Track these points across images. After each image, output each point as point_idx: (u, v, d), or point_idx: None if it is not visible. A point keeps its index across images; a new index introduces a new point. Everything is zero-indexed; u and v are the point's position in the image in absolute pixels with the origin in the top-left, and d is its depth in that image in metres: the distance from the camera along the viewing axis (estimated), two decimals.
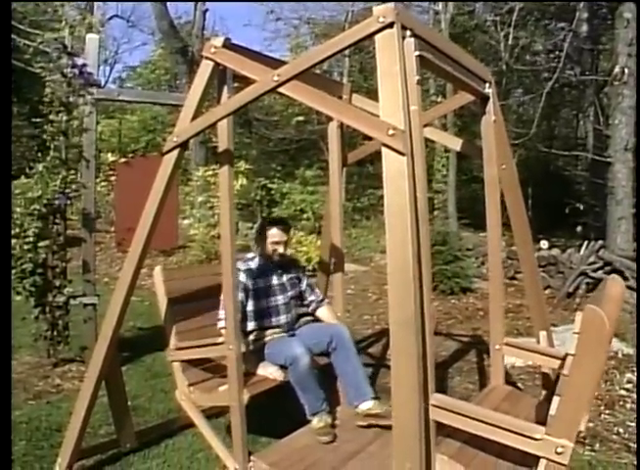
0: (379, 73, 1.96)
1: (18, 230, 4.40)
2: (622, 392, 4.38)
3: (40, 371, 4.57)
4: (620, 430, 3.74)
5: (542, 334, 3.19)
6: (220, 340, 2.78)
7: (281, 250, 3.45)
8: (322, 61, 2.26)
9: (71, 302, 4.61)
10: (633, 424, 3.84)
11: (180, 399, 3.10)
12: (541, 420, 2.05)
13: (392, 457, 1.90)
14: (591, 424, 3.82)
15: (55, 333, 4.63)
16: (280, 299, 3.45)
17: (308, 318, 3.69)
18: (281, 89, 2.28)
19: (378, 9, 1.97)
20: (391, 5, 1.96)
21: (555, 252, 9.07)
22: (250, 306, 3.35)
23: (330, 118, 3.65)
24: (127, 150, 18.51)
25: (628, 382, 4.56)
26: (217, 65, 2.56)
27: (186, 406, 3.07)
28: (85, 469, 3.13)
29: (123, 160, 10.02)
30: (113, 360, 3.04)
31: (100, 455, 3.23)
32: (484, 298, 8.16)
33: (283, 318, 3.45)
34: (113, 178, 11.05)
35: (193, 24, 17.23)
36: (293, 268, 3.63)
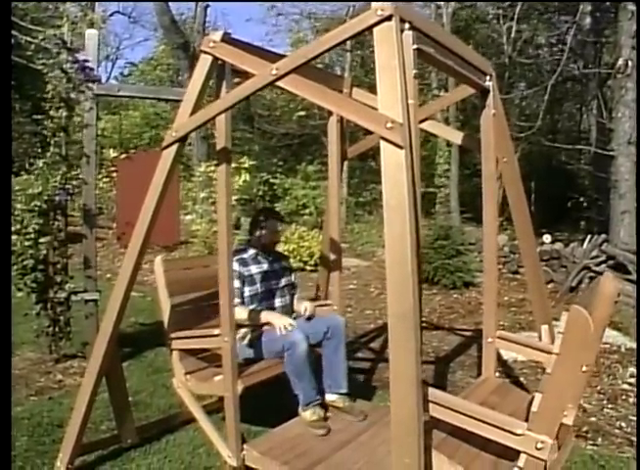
0: (377, 67, 1.95)
1: (19, 227, 4.40)
2: (625, 386, 4.38)
3: (42, 367, 4.57)
4: (623, 424, 3.74)
5: (544, 328, 3.18)
6: (216, 332, 2.82)
7: (280, 239, 3.64)
8: (320, 54, 2.25)
9: (73, 298, 4.61)
10: (636, 418, 3.83)
11: (177, 386, 3.19)
12: (528, 414, 2.09)
13: (392, 452, 1.89)
14: (593, 418, 3.82)
15: (56, 329, 4.63)
16: (273, 284, 3.55)
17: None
18: (279, 83, 2.27)
19: (376, 2, 1.96)
20: None
21: (558, 246, 9.05)
22: (245, 292, 3.43)
23: (330, 113, 3.64)
24: (130, 146, 18.54)
25: (631, 376, 4.55)
26: (216, 59, 2.55)
27: (182, 394, 3.15)
28: (86, 465, 3.13)
29: (124, 155, 10.01)
30: (113, 356, 3.04)
31: (101, 451, 3.23)
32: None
33: (277, 302, 3.55)
34: (115, 174, 11.05)
35: (194, 20, 17.22)
36: (283, 260, 3.77)
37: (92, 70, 4.51)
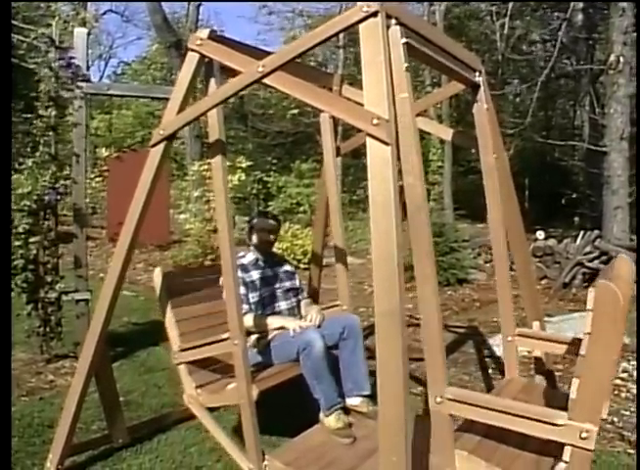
0: (362, 63, 1.94)
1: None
2: (617, 381, 4.38)
3: (33, 367, 4.55)
4: (615, 419, 3.74)
5: (535, 324, 3.17)
6: (224, 336, 2.68)
7: (272, 238, 3.48)
8: (306, 51, 2.22)
9: (64, 298, 4.59)
10: (628, 413, 3.84)
11: (188, 402, 2.99)
12: (560, 408, 1.93)
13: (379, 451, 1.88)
14: None
15: (48, 329, 4.60)
16: (276, 288, 3.44)
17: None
18: (267, 80, 2.25)
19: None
20: None
21: (551, 242, 9.05)
22: (250, 299, 3.31)
23: (321, 110, 3.62)
24: (123, 145, 18.49)
25: (624, 371, 4.56)
26: (203, 57, 2.54)
27: (195, 410, 2.96)
28: (77, 465, 3.11)
29: (115, 154, 9.98)
30: (103, 355, 3.02)
31: (92, 451, 3.21)
32: (481, 289, 8.17)
33: (283, 306, 3.42)
34: (107, 174, 11.02)
35: (187, 19, 17.18)
36: (286, 264, 3.65)
37: (79, 66, 4.47)
